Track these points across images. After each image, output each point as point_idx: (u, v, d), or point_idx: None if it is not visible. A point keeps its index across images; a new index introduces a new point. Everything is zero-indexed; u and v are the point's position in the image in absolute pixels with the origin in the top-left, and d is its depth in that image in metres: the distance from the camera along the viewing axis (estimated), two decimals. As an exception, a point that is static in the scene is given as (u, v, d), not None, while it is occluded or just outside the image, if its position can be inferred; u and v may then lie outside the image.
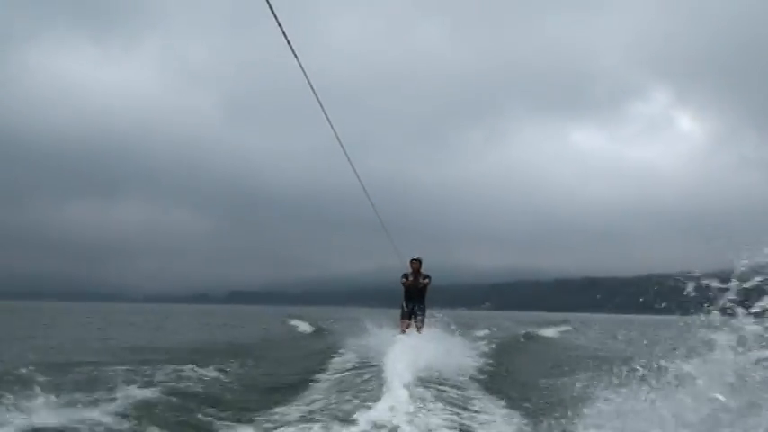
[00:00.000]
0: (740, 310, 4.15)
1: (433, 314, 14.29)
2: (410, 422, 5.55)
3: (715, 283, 4.37)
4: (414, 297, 13.75)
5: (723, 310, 4.36)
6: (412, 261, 13.65)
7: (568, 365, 11.41)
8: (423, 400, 6.91)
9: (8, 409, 5.28)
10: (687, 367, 4.26)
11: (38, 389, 6.10)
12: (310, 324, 29.49)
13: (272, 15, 5.25)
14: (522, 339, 21.57)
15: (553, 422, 5.59)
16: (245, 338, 20.84)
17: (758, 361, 3.89)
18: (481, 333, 20.41)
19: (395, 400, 6.39)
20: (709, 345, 4.15)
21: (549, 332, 28.47)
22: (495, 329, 23.13)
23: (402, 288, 13.92)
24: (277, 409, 6.89)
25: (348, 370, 10.60)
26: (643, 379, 4.78)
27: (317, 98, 7.05)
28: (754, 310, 4.05)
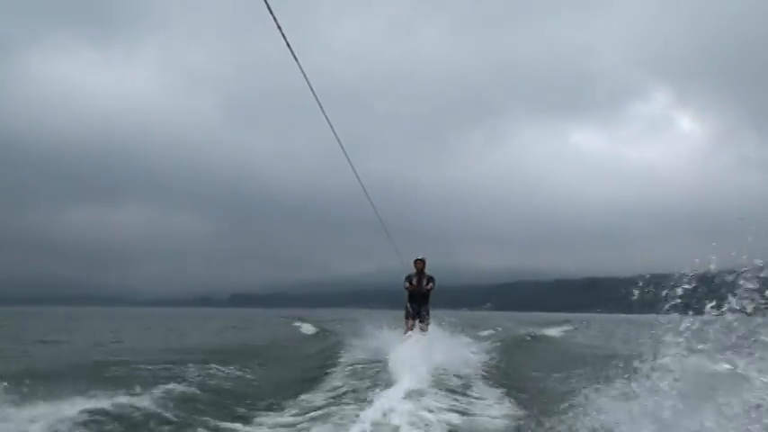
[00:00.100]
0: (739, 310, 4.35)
1: (436, 315, 14.39)
2: (412, 417, 5.90)
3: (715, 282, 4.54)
4: (418, 300, 13.81)
5: (718, 308, 4.57)
6: (416, 261, 13.69)
7: (570, 363, 12.08)
8: (429, 394, 7.48)
9: (72, 398, 5.93)
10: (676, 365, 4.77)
11: (85, 384, 6.82)
12: (315, 326, 29.97)
13: (271, 17, 5.16)
14: (527, 338, 22.26)
15: (554, 418, 6.19)
16: (257, 340, 21.48)
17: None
18: (486, 333, 21.07)
19: (399, 394, 6.97)
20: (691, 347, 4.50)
21: (551, 332, 28.90)
22: (499, 329, 23.82)
23: (405, 292, 13.85)
24: (303, 396, 7.81)
25: (359, 364, 11.29)
26: (638, 375, 5.16)
27: (317, 99, 6.91)
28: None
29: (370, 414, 5.70)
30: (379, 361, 10.84)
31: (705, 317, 4.53)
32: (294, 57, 5.82)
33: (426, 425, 5.73)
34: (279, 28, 5.35)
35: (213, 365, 10.51)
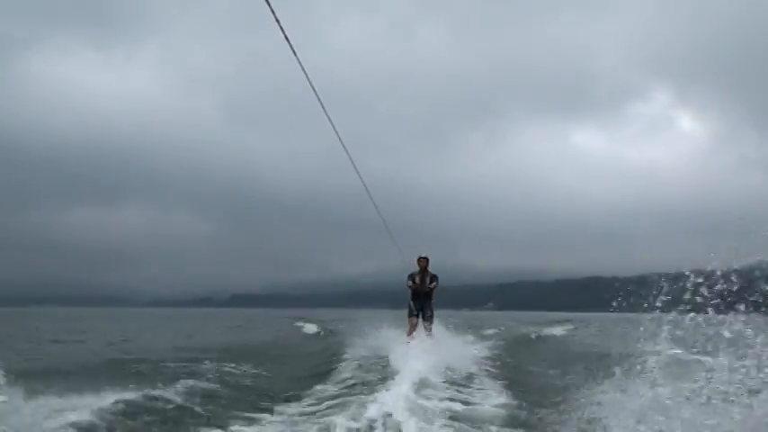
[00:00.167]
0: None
1: (438, 315, 14.31)
2: (414, 413, 6.22)
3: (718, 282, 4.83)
4: (421, 298, 13.70)
5: (717, 308, 4.92)
6: (419, 259, 13.60)
7: (569, 360, 12.70)
8: (431, 386, 7.99)
9: (104, 391, 6.36)
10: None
11: (112, 380, 7.33)
12: (317, 326, 30.24)
13: (271, 16, 5.14)
14: (530, 337, 22.77)
15: (550, 408, 6.69)
16: (264, 339, 21.95)
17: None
18: (490, 332, 21.55)
19: (403, 385, 7.47)
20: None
21: (553, 331, 29.26)
22: (502, 329, 24.31)
23: (409, 290, 13.72)
24: (318, 387, 8.52)
25: (364, 359, 11.70)
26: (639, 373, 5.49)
27: (319, 99, 6.84)
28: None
29: (374, 407, 6.10)
30: (383, 356, 11.24)
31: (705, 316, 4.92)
32: (294, 53, 5.79)
33: (426, 412, 6.18)
34: (281, 29, 5.34)
35: (228, 363, 11.01)
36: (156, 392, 6.68)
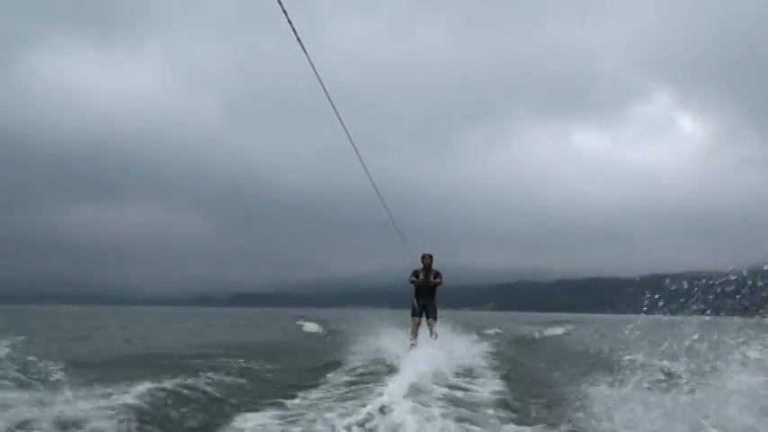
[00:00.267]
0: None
1: (441, 315, 14.17)
2: (415, 411, 6.27)
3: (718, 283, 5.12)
4: (424, 294, 13.62)
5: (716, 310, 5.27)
6: (423, 256, 13.65)
7: (567, 359, 13.40)
8: (432, 381, 8.60)
9: (137, 381, 7.00)
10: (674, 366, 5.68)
11: (139, 371, 8.10)
12: (320, 325, 30.56)
13: (277, 16, 5.09)
14: (529, 337, 23.32)
15: (545, 400, 7.40)
16: (270, 337, 22.56)
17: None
18: (491, 332, 22.19)
19: (404, 382, 8.04)
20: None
21: (552, 331, 29.77)
22: (502, 329, 24.91)
23: (412, 287, 13.66)
24: (329, 375, 9.59)
25: (368, 356, 12.23)
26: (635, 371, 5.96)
27: (329, 97, 6.81)
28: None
29: (376, 402, 6.54)
30: (385, 354, 11.70)
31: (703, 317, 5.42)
32: (306, 54, 5.78)
33: (426, 410, 6.53)
34: (290, 23, 5.28)
35: (238, 360, 11.49)
36: (189, 381, 7.40)
